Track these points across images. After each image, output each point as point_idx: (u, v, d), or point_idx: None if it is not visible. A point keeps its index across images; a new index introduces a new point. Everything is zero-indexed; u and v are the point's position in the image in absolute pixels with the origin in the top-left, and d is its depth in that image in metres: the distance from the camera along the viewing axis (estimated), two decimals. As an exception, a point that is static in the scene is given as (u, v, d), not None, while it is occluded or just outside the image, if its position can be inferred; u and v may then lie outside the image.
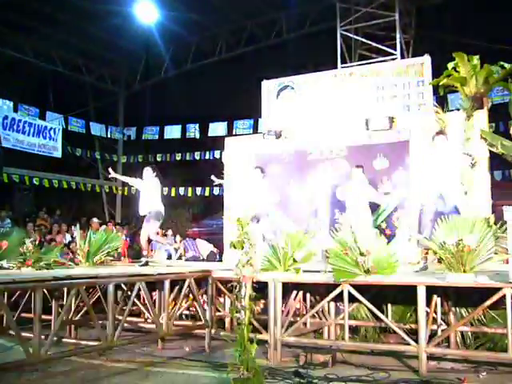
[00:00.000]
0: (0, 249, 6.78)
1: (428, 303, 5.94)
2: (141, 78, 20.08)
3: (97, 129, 19.34)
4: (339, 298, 6.12)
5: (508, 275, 5.29)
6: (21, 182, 16.90)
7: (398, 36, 13.70)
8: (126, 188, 20.54)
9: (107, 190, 20.58)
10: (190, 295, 7.22)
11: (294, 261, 6.41)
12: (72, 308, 7.22)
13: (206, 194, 18.82)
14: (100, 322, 5.77)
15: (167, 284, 6.49)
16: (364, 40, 14.34)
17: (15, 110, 16.36)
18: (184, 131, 18.58)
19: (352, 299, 6.08)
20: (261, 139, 11.94)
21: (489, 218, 6.72)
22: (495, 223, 5.72)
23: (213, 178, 10.97)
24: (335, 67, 13.51)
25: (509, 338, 5.20)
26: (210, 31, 16.95)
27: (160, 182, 8.88)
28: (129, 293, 6.66)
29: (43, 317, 5.12)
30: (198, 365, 6.15)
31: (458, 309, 6.34)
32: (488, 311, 6.18)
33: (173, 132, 18.83)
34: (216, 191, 18.08)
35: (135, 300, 6.33)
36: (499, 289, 5.32)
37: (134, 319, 7.72)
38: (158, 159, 19.31)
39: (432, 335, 5.92)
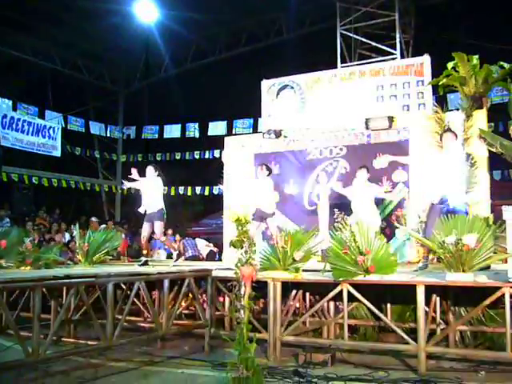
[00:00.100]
0: (-1, 248, 6.78)
1: (427, 302, 5.94)
2: (140, 77, 20.09)
3: (96, 128, 19.35)
4: (339, 297, 6.12)
5: (507, 274, 5.30)
6: (20, 181, 16.89)
7: (397, 36, 13.69)
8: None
9: (106, 189, 20.59)
10: (190, 294, 7.22)
11: (294, 260, 6.41)
12: (71, 307, 7.21)
13: (206, 193, 18.83)
14: (99, 321, 5.77)
15: (167, 283, 6.49)
16: (364, 40, 14.33)
17: (14, 108, 16.35)
18: (184, 130, 18.58)
19: (351, 298, 6.08)
20: (260, 139, 11.95)
21: (488, 217, 6.73)
22: (494, 223, 5.71)
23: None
24: (335, 67, 13.50)
25: (507, 337, 5.21)
26: (210, 30, 16.93)
27: (162, 181, 8.85)
28: (128, 292, 6.66)
29: (42, 316, 5.12)
30: (198, 364, 6.15)
31: (457, 308, 6.34)
32: (487, 310, 6.18)
33: (172, 131, 18.83)
34: (216, 190, 18.08)
35: (135, 299, 6.33)
36: (498, 288, 5.33)
37: (134, 318, 7.72)
38: (158, 158, 19.32)
39: (431, 334, 5.92)
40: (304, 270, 6.59)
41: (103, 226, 13.63)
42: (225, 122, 17.49)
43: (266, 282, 6.39)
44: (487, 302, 5.41)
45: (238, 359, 3.58)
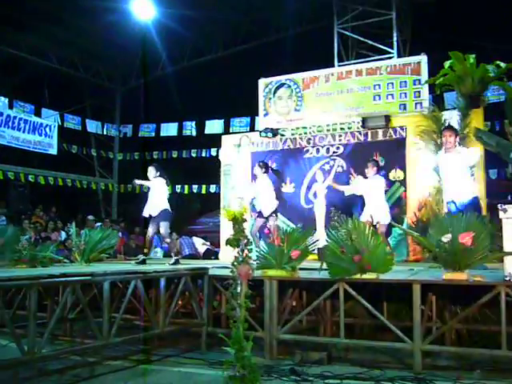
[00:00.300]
0: (-5, 246, 6.76)
1: (423, 301, 5.95)
2: (137, 75, 20.05)
3: (93, 126, 19.31)
4: (335, 295, 6.13)
5: (503, 273, 5.32)
6: (16, 179, 16.86)
7: (394, 34, 13.72)
8: (121, 186, 20.54)
9: (103, 188, 20.58)
10: (186, 293, 7.22)
11: (290, 258, 6.41)
12: (67, 305, 7.20)
13: (203, 191, 18.83)
14: (96, 319, 5.76)
15: (163, 282, 6.49)
16: (361, 38, 14.35)
17: (10, 106, 16.32)
18: (180, 129, 18.56)
19: (348, 297, 6.09)
20: (257, 137, 11.96)
21: (484, 216, 6.75)
22: (490, 221, 5.73)
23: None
24: (332, 65, 13.52)
25: (502, 336, 5.23)
26: (207, 28, 16.91)
27: (165, 180, 8.78)
28: (124, 290, 6.65)
29: (39, 314, 5.11)
30: (194, 362, 6.15)
31: (453, 306, 6.36)
32: (483, 309, 6.20)
33: (169, 129, 18.81)
34: (212, 189, 18.09)
35: (131, 298, 6.32)
36: (493, 287, 5.35)
37: (130, 317, 7.71)
38: (155, 157, 19.32)
39: (428, 333, 5.93)
40: (301, 269, 6.59)
41: (99, 224, 13.64)
42: (222, 121, 17.48)
43: (262, 280, 6.40)
44: (483, 300, 5.43)
45: (235, 358, 3.57)
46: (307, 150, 11.47)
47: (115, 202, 20.97)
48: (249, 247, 3.77)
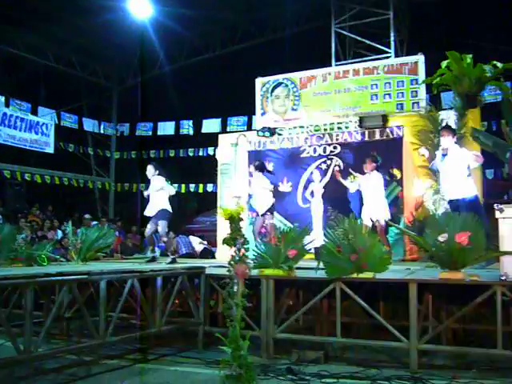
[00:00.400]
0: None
1: (420, 300, 5.96)
2: (134, 73, 20.03)
3: (89, 124, 19.26)
4: (332, 294, 6.13)
5: (499, 272, 5.34)
6: (12, 178, 16.83)
7: (392, 34, 13.73)
8: (118, 184, 20.52)
9: (100, 186, 20.55)
10: (183, 292, 7.21)
11: (287, 258, 6.42)
12: (64, 304, 7.19)
13: (200, 190, 18.82)
14: (92, 318, 5.76)
15: (160, 281, 6.48)
16: (358, 38, 14.36)
17: (7, 104, 16.26)
18: (178, 127, 18.52)
19: (345, 296, 6.10)
20: (254, 136, 11.96)
21: (481, 215, 6.76)
22: (487, 221, 5.74)
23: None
24: (329, 65, 13.53)
25: (498, 335, 5.24)
26: (205, 27, 16.91)
27: (164, 178, 8.74)
28: (121, 289, 6.64)
29: (35, 313, 5.10)
30: (191, 361, 6.16)
31: (449, 306, 6.36)
32: (479, 308, 6.21)
33: (166, 128, 18.77)
34: (209, 188, 18.08)
35: (128, 297, 6.31)
36: (490, 286, 5.36)
37: (127, 316, 7.70)
38: (152, 155, 19.30)
39: (424, 332, 5.94)
40: (297, 268, 6.59)
41: (95, 222, 13.62)
42: (219, 120, 17.46)
43: (259, 279, 6.40)
44: (479, 299, 5.44)
45: (231, 357, 3.58)
46: (304, 150, 11.47)
47: (112, 201, 20.93)
48: (245, 246, 3.77)
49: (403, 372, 5.48)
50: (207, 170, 16.37)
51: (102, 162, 21.00)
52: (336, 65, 13.60)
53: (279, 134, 11.73)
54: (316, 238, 8.04)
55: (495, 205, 5.34)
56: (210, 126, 17.66)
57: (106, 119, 20.32)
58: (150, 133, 19.09)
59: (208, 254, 12.50)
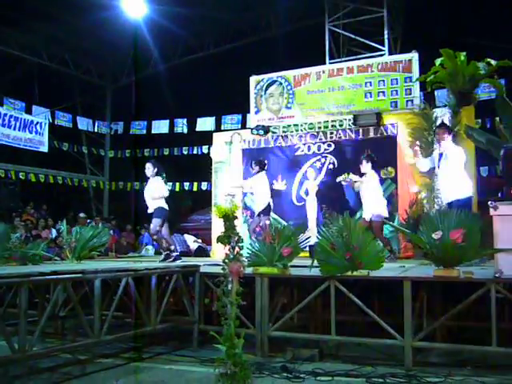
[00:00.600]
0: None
1: (415, 298, 5.98)
2: (128, 72, 19.97)
3: (84, 123, 19.18)
4: (326, 292, 6.14)
5: (493, 270, 5.35)
6: (7, 177, 16.77)
7: (385, 32, 13.74)
8: (113, 183, 20.47)
9: (94, 185, 20.49)
10: (178, 290, 7.21)
11: (282, 256, 6.42)
12: (58, 303, 7.18)
13: (194, 188, 18.80)
14: (87, 317, 5.75)
15: (154, 279, 6.48)
16: (352, 36, 14.36)
17: (0, 103, 16.18)
18: (172, 126, 18.48)
19: (339, 294, 6.10)
20: (249, 134, 11.95)
21: (475, 213, 6.78)
22: (481, 218, 5.75)
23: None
24: (323, 63, 13.53)
25: (492, 332, 5.26)
26: (198, 26, 16.87)
27: (162, 176, 8.66)
28: (116, 288, 6.63)
29: (29, 312, 5.09)
30: (186, 360, 6.17)
31: (444, 303, 6.38)
32: (474, 305, 6.23)
33: (160, 127, 18.72)
34: (204, 186, 18.06)
35: (122, 295, 6.30)
36: (484, 284, 5.38)
37: (121, 314, 7.69)
38: (146, 154, 19.26)
39: (418, 329, 5.96)
40: (292, 266, 6.60)
41: (90, 221, 13.59)
42: (213, 118, 17.43)
43: (253, 277, 6.40)
44: (473, 297, 5.46)
45: (226, 355, 3.58)
46: (298, 148, 11.48)
47: (106, 200, 20.87)
48: (240, 244, 3.77)
49: (398, 369, 5.50)
50: (202, 168, 16.34)
51: (97, 160, 20.94)
52: (330, 63, 13.61)
53: (273, 132, 11.73)
54: (310, 236, 8.05)
55: (489, 202, 5.35)
56: (205, 124, 17.62)
57: (100, 118, 20.24)
58: (144, 131, 19.04)
59: (202, 252, 12.49)
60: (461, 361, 5.77)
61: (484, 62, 9.21)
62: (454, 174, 7.52)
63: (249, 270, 6.24)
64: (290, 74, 12.17)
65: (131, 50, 18.28)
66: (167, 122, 18.60)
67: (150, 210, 8.52)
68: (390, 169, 10.46)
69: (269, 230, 6.73)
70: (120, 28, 15.42)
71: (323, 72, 11.87)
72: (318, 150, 11.28)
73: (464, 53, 9.25)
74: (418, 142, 9.04)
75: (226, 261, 3.72)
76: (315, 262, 6.19)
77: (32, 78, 18.48)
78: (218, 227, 11.03)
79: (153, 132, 18.90)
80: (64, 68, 18.56)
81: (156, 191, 8.42)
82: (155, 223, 8.37)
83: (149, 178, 8.61)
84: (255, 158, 10.46)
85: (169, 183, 18.49)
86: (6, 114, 16.10)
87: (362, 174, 9.20)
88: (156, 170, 8.56)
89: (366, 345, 6.39)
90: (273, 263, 6.43)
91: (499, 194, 5.84)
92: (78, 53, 18.33)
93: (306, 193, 11.19)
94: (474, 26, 14.49)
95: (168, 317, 7.13)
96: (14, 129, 16.35)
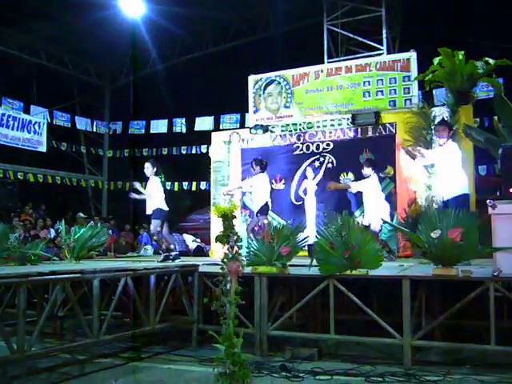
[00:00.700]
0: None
1: (414, 296, 5.98)
2: (127, 72, 19.95)
3: (82, 123, 19.18)
4: (325, 291, 6.14)
5: (491, 269, 5.36)
6: (5, 177, 16.75)
7: (384, 31, 13.73)
8: (111, 183, 20.46)
9: (93, 185, 20.47)
10: (177, 290, 7.20)
11: (280, 255, 6.42)
12: (57, 303, 7.17)
13: (193, 188, 18.80)
14: (86, 317, 5.74)
15: (153, 279, 6.47)
16: (351, 35, 14.36)
17: (-1, 103, 16.20)
18: (170, 126, 18.48)
19: (338, 293, 6.11)
20: (247, 134, 11.95)
21: (474, 212, 6.79)
22: (479, 217, 5.76)
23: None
24: (322, 62, 13.52)
25: (491, 331, 5.26)
26: (197, 26, 16.86)
27: (160, 175, 8.65)
28: (114, 288, 6.63)
29: (28, 312, 5.08)
30: (185, 359, 6.16)
31: (443, 302, 6.38)
32: (473, 304, 6.23)
33: (159, 126, 18.72)
34: (203, 186, 18.06)
35: (121, 295, 6.30)
36: (482, 282, 5.38)
37: (120, 314, 7.68)
38: (145, 154, 19.26)
39: (417, 328, 5.96)
40: (291, 265, 6.60)
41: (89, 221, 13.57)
42: (212, 118, 17.43)
43: (252, 277, 6.40)
44: (471, 296, 5.46)
45: (225, 354, 3.58)
46: (297, 147, 11.47)
47: (105, 200, 20.87)
48: (239, 244, 3.77)
49: (397, 368, 5.50)
50: (200, 167, 16.35)
51: (95, 160, 20.93)
52: (328, 62, 13.59)
53: (272, 132, 11.72)
54: (309, 235, 8.04)
55: (488, 201, 5.36)
56: (203, 123, 17.62)
57: (98, 118, 20.23)
58: (143, 131, 19.04)
59: (201, 251, 12.49)
60: (460, 359, 5.78)
61: (482, 61, 9.21)
62: (451, 171, 7.52)
63: (248, 270, 6.24)
64: (288, 73, 12.17)
65: (129, 50, 18.27)
66: (166, 121, 18.60)
67: (148, 211, 8.51)
68: (388, 168, 10.46)
69: (268, 230, 6.73)
70: (118, 28, 15.41)
71: (322, 71, 11.87)
72: (317, 149, 11.28)
73: (462, 52, 9.24)
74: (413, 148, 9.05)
75: (225, 260, 3.72)
76: (314, 261, 6.19)
77: (30, 77, 18.46)
78: (216, 227, 11.03)
79: (151, 132, 18.91)
80: (62, 68, 18.55)
81: (153, 192, 8.43)
82: (155, 224, 8.38)
83: (149, 178, 8.62)
84: (254, 158, 10.45)
85: (168, 183, 18.54)
86: (4, 114, 16.09)
87: (362, 177, 9.24)
88: (155, 169, 8.55)
89: (365, 344, 6.40)
90: (272, 262, 6.43)
91: (498, 193, 5.85)
92: (76, 53, 18.30)
93: (305, 192, 11.19)
94: (472, 25, 14.49)
95: (167, 316, 7.13)
96: (13, 129, 16.34)
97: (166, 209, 8.51)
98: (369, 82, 11.26)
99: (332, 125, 11.20)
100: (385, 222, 8.94)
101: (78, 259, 7.70)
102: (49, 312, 5.48)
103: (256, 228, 9.71)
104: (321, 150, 11.24)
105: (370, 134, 10.80)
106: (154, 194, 8.43)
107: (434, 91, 12.21)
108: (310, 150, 11.33)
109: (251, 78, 12.50)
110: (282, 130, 11.66)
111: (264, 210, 9.77)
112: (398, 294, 5.72)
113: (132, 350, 6.65)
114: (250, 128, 11.90)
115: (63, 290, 5.72)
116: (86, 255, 7.95)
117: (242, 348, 3.63)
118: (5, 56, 16.63)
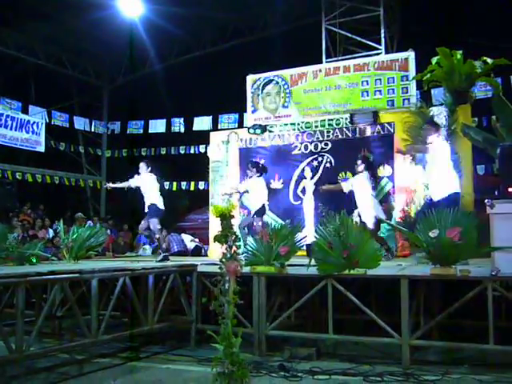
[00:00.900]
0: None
1: (412, 296, 5.98)
2: (125, 71, 19.94)
3: (80, 123, 19.16)
4: (324, 291, 6.14)
5: (490, 268, 5.36)
6: (3, 177, 16.74)
7: (382, 31, 13.75)
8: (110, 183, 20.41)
9: (91, 185, 20.46)
10: (175, 290, 7.20)
11: (279, 255, 6.42)
12: (56, 303, 7.17)
13: (192, 188, 18.79)
14: (84, 317, 5.74)
15: (151, 279, 6.47)
16: (349, 35, 14.36)
17: (-3, 103, 16.18)
18: (169, 125, 18.48)
19: (336, 292, 6.11)
20: (246, 133, 11.94)
21: (472, 211, 6.79)
22: (478, 217, 5.76)
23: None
24: (320, 62, 13.53)
25: (490, 330, 5.27)
26: (195, 25, 16.85)
27: (155, 175, 8.69)
28: (113, 288, 6.63)
29: (26, 312, 5.08)
30: (183, 359, 6.17)
31: (441, 301, 6.39)
32: (471, 303, 6.24)
33: (157, 126, 18.71)
34: (201, 185, 18.05)
35: (119, 295, 6.30)
36: (480, 282, 5.39)
37: (119, 314, 7.68)
38: (143, 153, 19.23)
39: (416, 327, 5.96)
40: (289, 265, 6.60)
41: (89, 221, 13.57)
42: (210, 117, 17.42)
43: (251, 276, 6.40)
44: (469, 295, 5.46)
45: (223, 354, 3.58)
46: (295, 147, 11.47)
47: (103, 200, 20.85)
48: (237, 243, 3.77)
49: (395, 368, 5.50)
50: (199, 167, 16.33)
51: (93, 160, 20.92)
52: (326, 62, 13.60)
53: (270, 131, 11.72)
54: (307, 234, 8.05)
55: (486, 200, 5.36)
56: (201, 123, 17.61)
57: (96, 117, 20.22)
58: (141, 131, 19.03)
59: (200, 251, 12.51)
60: (458, 359, 5.78)
61: (480, 61, 9.22)
62: (440, 170, 7.47)
63: (246, 269, 6.24)
64: (286, 73, 12.17)
65: (128, 50, 18.25)
66: (164, 121, 18.59)
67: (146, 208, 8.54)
68: (386, 167, 10.47)
69: (266, 230, 6.74)
70: (116, 28, 15.39)
71: (320, 71, 11.88)
72: (315, 148, 11.28)
73: (460, 51, 9.25)
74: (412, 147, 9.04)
75: (224, 260, 3.72)
76: (312, 260, 6.19)
77: (28, 77, 18.46)
78: (215, 226, 10.99)
79: (150, 131, 18.89)
80: (61, 68, 18.52)
81: (148, 189, 8.48)
82: (154, 223, 8.39)
83: (144, 177, 8.66)
84: (252, 158, 10.45)
85: (166, 182, 18.62)
86: (2, 114, 16.07)
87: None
88: (149, 169, 8.63)
89: (364, 343, 6.40)
90: (270, 262, 6.43)
91: (496, 193, 5.85)
92: (74, 53, 18.30)
93: (303, 192, 11.19)
94: (470, 24, 14.50)
95: (165, 316, 7.13)
96: (11, 129, 16.31)
97: (162, 207, 8.54)
98: (367, 81, 11.27)
99: (330, 124, 11.20)
100: (383, 221, 8.94)
101: (77, 259, 7.70)
102: (47, 312, 5.48)
103: (253, 228, 9.69)
104: (319, 149, 11.24)
105: (368, 133, 10.80)
106: (148, 190, 8.48)
107: (432, 91, 12.23)
108: (309, 150, 11.33)
109: (249, 78, 12.51)
110: (280, 130, 11.66)
111: (260, 212, 9.72)
112: (397, 293, 5.73)
113: (130, 349, 6.65)
114: (249, 128, 11.90)
115: (62, 289, 5.72)
116: (85, 255, 7.94)
117: (241, 348, 3.63)
118: (3, 56, 16.62)
